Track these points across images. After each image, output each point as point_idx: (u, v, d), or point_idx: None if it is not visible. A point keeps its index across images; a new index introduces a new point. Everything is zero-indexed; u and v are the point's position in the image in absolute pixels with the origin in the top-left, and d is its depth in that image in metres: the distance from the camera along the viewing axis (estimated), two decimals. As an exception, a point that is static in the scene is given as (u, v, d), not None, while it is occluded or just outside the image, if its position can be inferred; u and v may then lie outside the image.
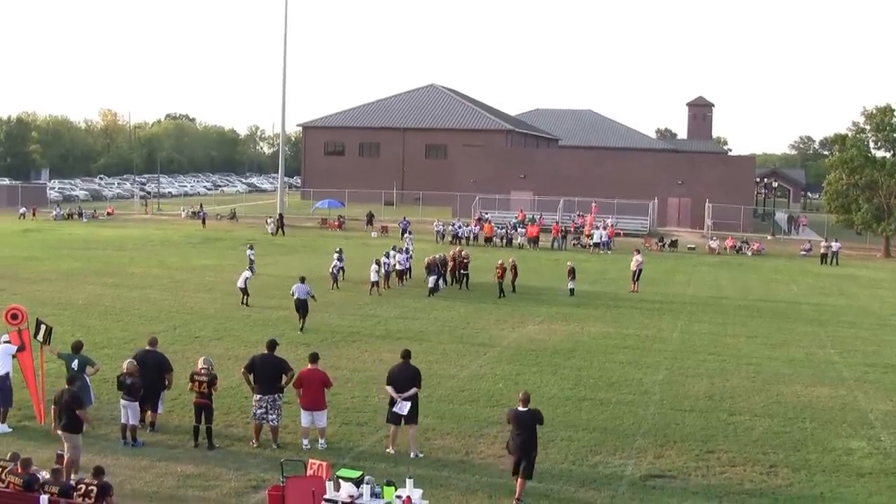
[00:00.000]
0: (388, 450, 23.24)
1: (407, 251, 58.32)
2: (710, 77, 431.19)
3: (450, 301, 48.31)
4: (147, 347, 25.14)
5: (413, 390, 23.31)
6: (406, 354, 24.02)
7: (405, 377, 23.33)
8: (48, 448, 22.33)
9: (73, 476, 19.97)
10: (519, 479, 20.30)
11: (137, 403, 23.41)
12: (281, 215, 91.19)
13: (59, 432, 21.29)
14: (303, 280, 40.41)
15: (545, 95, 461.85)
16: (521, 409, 20.69)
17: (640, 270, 55.25)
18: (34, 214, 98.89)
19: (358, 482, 17.84)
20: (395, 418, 23.32)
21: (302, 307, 39.26)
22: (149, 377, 23.73)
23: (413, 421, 23.30)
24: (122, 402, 22.87)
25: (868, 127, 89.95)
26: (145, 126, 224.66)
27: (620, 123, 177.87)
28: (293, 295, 39.69)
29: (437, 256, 52.75)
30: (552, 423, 24.42)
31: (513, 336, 39.54)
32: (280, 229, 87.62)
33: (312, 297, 39.98)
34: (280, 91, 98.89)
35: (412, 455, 22.97)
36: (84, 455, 21.62)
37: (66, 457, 20.60)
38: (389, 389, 23.55)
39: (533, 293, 52.00)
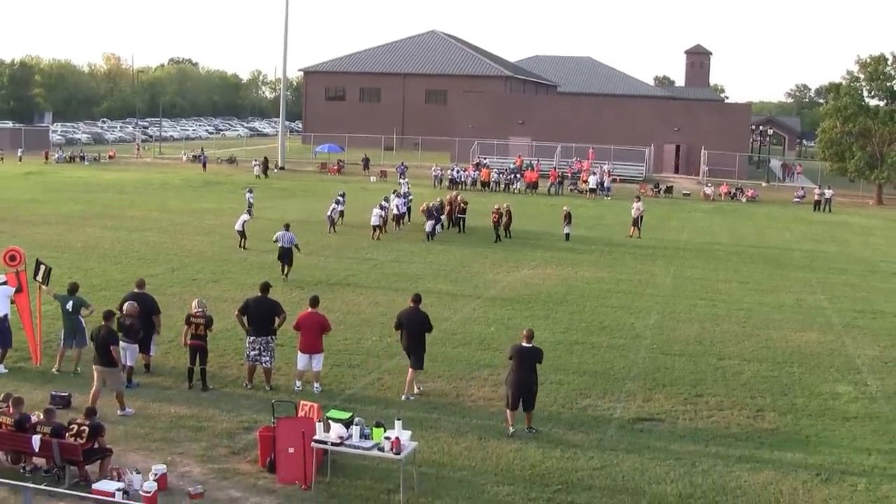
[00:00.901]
0: (402, 396, 23.14)
1: (406, 195, 58.13)
2: (708, 25, 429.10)
3: (446, 245, 48.17)
4: (135, 290, 24.93)
5: None
6: (416, 299, 23.83)
7: (414, 321, 23.21)
8: (43, 389, 22.32)
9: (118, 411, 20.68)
10: (526, 414, 20.78)
11: (137, 346, 23.31)
12: (266, 158, 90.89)
13: (97, 367, 21.31)
14: (287, 227, 39.14)
15: (545, 42, 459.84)
16: (525, 344, 20.90)
17: (642, 217, 55.07)
18: (46, 158, 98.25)
19: (347, 423, 17.78)
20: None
21: (285, 256, 38.10)
22: (140, 320, 23.56)
23: (417, 366, 23.25)
24: (122, 343, 22.73)
25: (862, 76, 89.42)
26: (148, 70, 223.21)
27: (619, 71, 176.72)
28: (276, 242, 38.73)
29: (434, 203, 52.44)
30: (543, 367, 24.18)
31: (507, 280, 39.42)
32: (265, 172, 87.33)
33: (296, 246, 38.84)
34: (282, 35, 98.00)
35: (402, 397, 22.96)
36: (78, 396, 21.60)
37: (94, 389, 21.12)
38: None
39: (529, 238, 51.88)
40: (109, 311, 22.39)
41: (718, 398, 23.87)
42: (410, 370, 23.23)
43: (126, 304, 23.31)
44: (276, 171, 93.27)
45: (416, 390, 23.28)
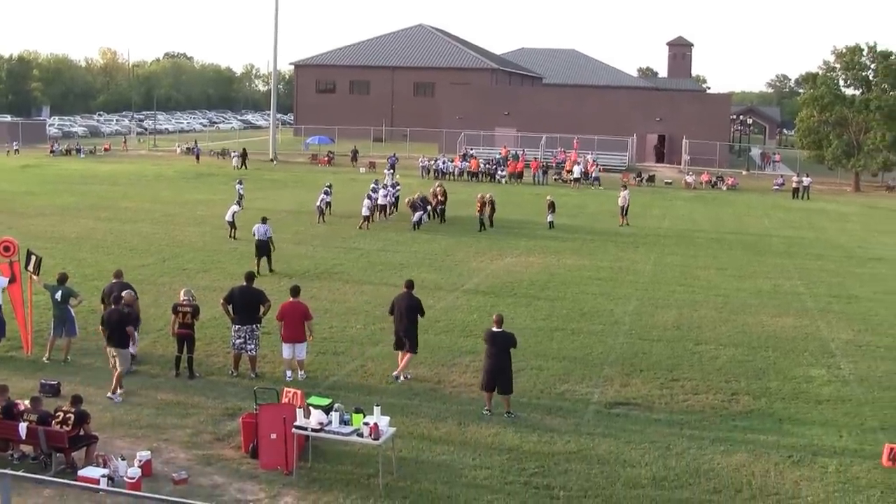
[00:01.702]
0: (394, 373, 23.44)
1: (394, 185, 58.04)
2: (690, 17, 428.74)
3: (431, 234, 48.07)
4: (114, 280, 24.88)
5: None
6: (409, 284, 23.99)
7: (407, 306, 23.28)
8: (33, 378, 22.26)
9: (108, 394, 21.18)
10: (504, 399, 20.97)
11: (136, 333, 23.18)
12: (244, 150, 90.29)
13: (110, 348, 21.68)
14: (264, 220, 37.97)
15: (530, 35, 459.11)
16: (495, 329, 21.02)
17: (628, 205, 55.12)
18: (51, 151, 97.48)
19: (327, 409, 17.73)
20: (399, 344, 23.45)
21: (262, 248, 37.12)
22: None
23: (413, 350, 23.38)
24: None
25: (838, 66, 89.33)
26: (144, 64, 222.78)
27: (603, 63, 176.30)
28: (253, 235, 37.93)
29: (417, 196, 52.24)
30: (523, 353, 24.28)
31: (490, 268, 39.35)
32: (244, 163, 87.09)
33: (270, 240, 37.32)
34: (273, 29, 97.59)
35: (402, 376, 23.20)
36: (67, 385, 21.55)
37: (115, 370, 21.58)
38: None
39: (513, 226, 51.74)
40: (117, 295, 22.81)
41: (694, 382, 23.86)
42: (408, 354, 23.33)
43: (125, 293, 23.08)
44: (274, 163, 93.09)
45: (404, 377, 23.29)
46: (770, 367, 25.63)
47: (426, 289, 33.74)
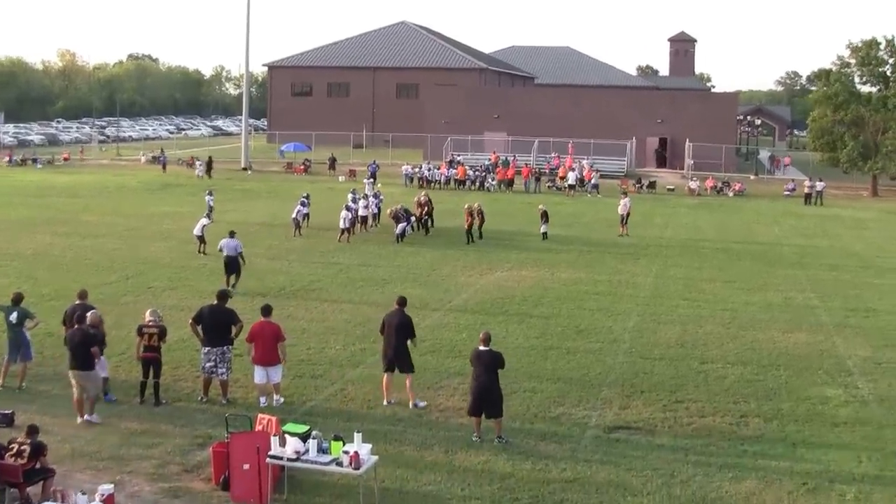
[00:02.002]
0: (384, 402, 23.27)
1: (376, 195, 58.00)
2: (692, 11, 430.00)
3: (416, 247, 48.12)
4: (77, 301, 24.70)
5: None
6: (401, 301, 23.92)
7: (397, 324, 23.20)
8: (-14, 406, 22.11)
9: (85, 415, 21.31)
10: (494, 423, 20.81)
11: (104, 357, 23.06)
12: (210, 158, 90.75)
13: (73, 372, 21.48)
14: (232, 234, 38.00)
15: (521, 32, 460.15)
16: (481, 348, 20.95)
17: (629, 214, 55.26)
18: (9, 160, 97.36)
19: (304, 437, 17.69)
20: (388, 364, 23.32)
21: (231, 265, 36.96)
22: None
23: (409, 370, 23.29)
24: None
25: (853, 61, 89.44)
26: (106, 67, 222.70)
27: (599, 61, 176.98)
28: (221, 251, 37.80)
29: (398, 208, 52.00)
30: (515, 374, 24.27)
31: (480, 283, 39.34)
32: (208, 172, 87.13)
33: (240, 255, 37.25)
34: (245, 28, 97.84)
35: (412, 405, 23.06)
36: (22, 414, 21.43)
37: (75, 397, 21.44)
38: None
39: (504, 238, 51.81)
40: (81, 314, 22.70)
41: (700, 404, 23.85)
42: (407, 377, 23.22)
43: (90, 314, 22.94)
44: (249, 172, 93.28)
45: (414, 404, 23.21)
46: (782, 387, 25.63)
47: (411, 306, 33.49)
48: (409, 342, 23.38)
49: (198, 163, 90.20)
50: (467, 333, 30.32)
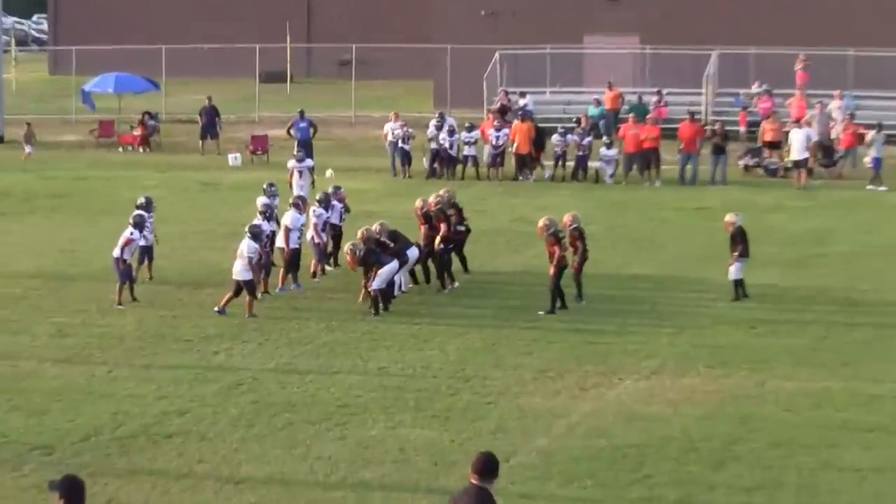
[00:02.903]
0: None
1: (335, 194, 26.73)
2: None
3: (427, 321, 22.73)
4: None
5: None
6: (481, 469, 9.80)
7: None
8: None
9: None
10: None
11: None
12: None
13: None
14: None
15: None
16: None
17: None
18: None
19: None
20: None
21: None
22: None
23: None
24: None
25: None
26: None
27: None
28: None
29: (375, 228, 23.86)
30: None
31: (584, 410, 17.54)
32: None
33: None
34: None
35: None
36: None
37: None
38: None
39: (638, 292, 25.38)
40: None
41: None
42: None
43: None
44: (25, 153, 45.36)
45: None
46: None
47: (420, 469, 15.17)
48: None
49: None
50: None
